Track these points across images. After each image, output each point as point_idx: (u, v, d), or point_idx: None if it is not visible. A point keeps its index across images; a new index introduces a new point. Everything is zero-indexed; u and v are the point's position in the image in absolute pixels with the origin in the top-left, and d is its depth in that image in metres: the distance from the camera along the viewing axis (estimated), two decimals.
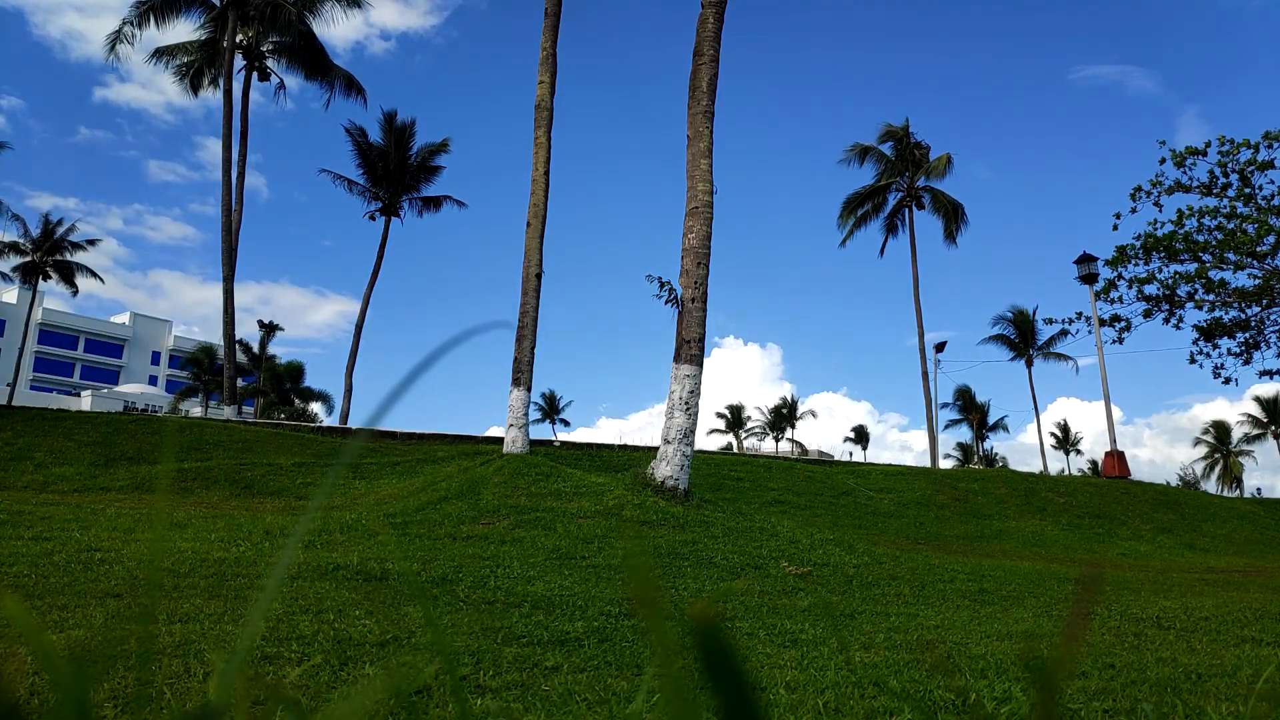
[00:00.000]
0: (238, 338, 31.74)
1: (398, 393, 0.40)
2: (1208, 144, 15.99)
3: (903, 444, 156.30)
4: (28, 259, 38.06)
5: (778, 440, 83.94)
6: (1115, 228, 17.21)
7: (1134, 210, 16.93)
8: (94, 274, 40.04)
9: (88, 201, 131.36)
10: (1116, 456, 21.12)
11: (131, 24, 25.36)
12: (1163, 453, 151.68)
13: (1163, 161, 16.47)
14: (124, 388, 67.99)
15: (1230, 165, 15.76)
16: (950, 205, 33.63)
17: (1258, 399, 61.12)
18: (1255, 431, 62.45)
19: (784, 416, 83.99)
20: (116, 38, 25.51)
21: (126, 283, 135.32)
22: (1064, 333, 44.09)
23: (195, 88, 27.99)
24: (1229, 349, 17.92)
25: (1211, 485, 64.43)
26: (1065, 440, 74.78)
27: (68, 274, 38.81)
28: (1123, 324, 18.11)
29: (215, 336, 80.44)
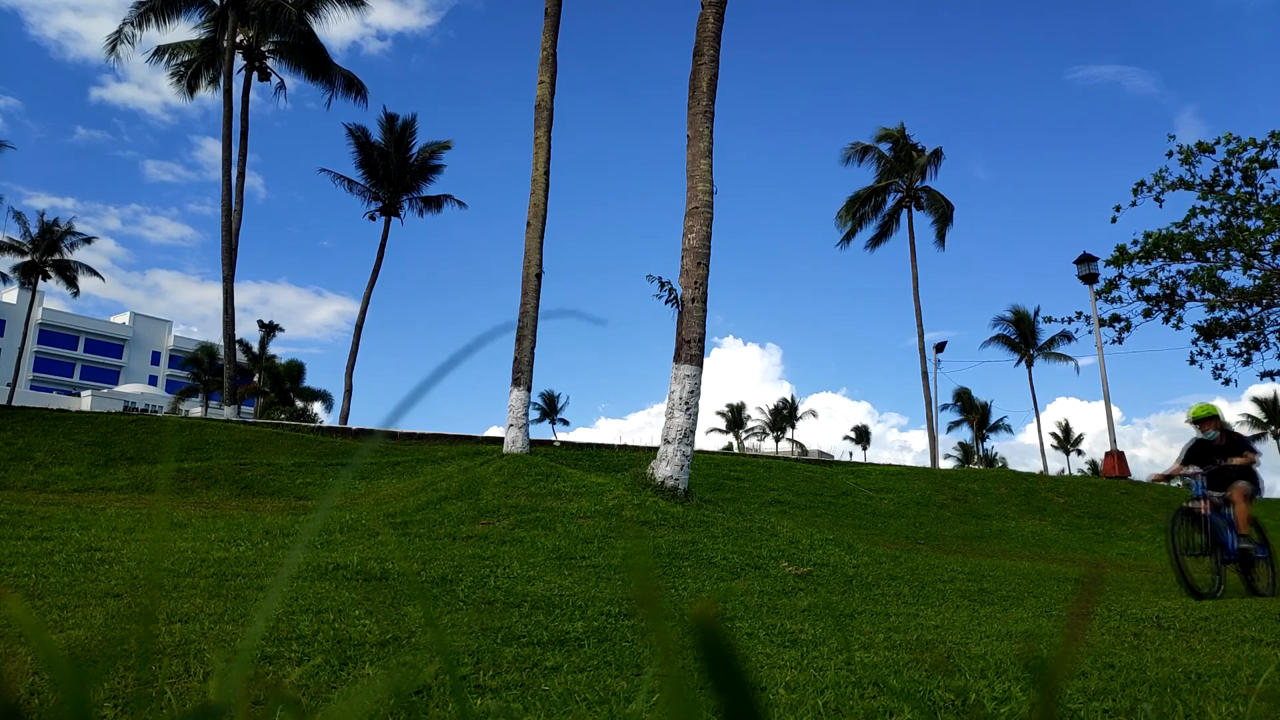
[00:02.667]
0: (238, 338, 31.74)
1: (411, 401, 0.41)
2: (1217, 140, 15.95)
3: (902, 444, 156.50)
4: (27, 259, 38.07)
5: (778, 440, 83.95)
6: (1114, 220, 17.18)
7: (1134, 204, 16.90)
8: (94, 273, 40.08)
9: (85, 202, 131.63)
10: (1116, 456, 21.12)
11: (132, 24, 25.37)
12: (1162, 453, 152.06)
13: (1170, 155, 16.42)
14: (124, 388, 68.02)
15: (1235, 164, 15.73)
16: (944, 206, 33.69)
17: (1256, 399, 61.21)
18: (1255, 432, 62.54)
19: (784, 416, 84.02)
20: (117, 38, 25.53)
21: (125, 283, 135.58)
22: (1065, 335, 44.21)
23: (193, 88, 28.00)
24: (1229, 349, 17.91)
25: None
26: (1065, 440, 74.85)
27: (67, 274, 38.83)
28: (1122, 324, 18.10)
29: (214, 336, 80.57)
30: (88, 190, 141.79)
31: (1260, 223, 15.10)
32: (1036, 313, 46.87)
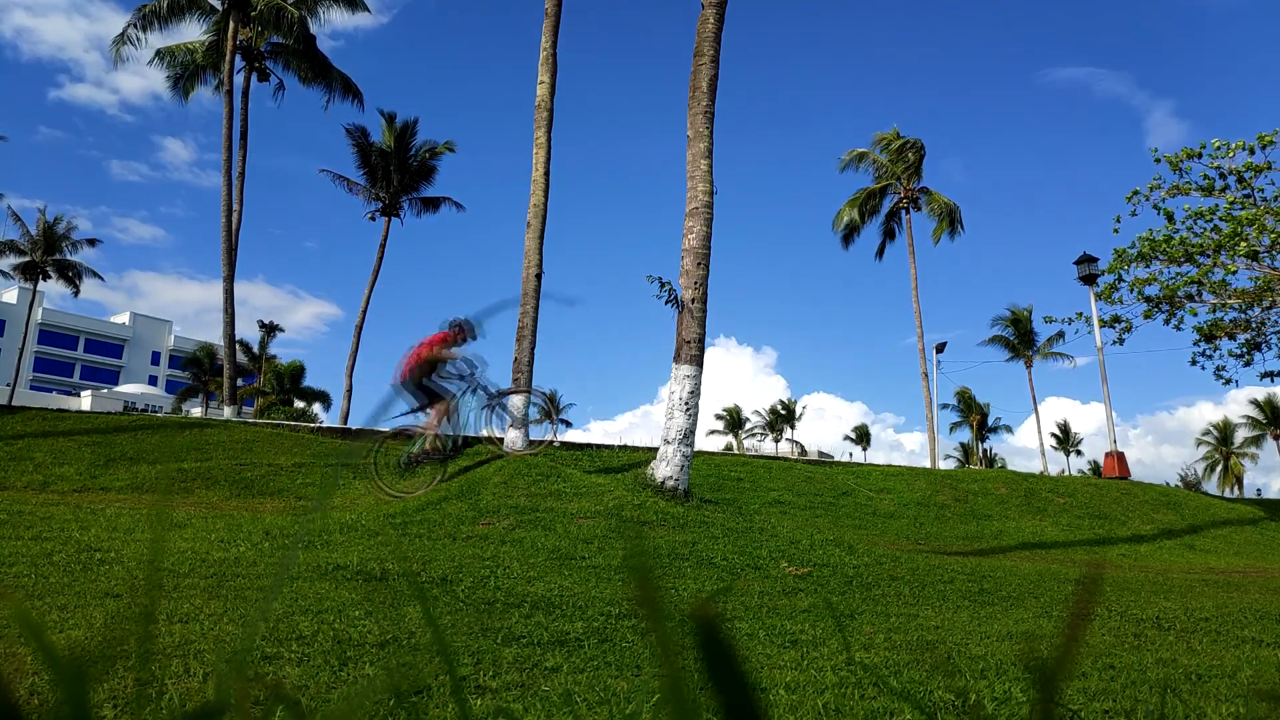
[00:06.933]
0: (237, 338, 31.79)
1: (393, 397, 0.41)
2: (1203, 145, 15.96)
3: (896, 444, 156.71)
4: (27, 259, 38.08)
5: (777, 441, 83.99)
6: (1116, 230, 17.21)
7: (1134, 214, 16.91)
8: (95, 273, 40.12)
9: (55, 204, 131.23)
10: (1117, 457, 21.11)
11: (135, 26, 25.46)
12: (1150, 453, 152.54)
13: (1157, 161, 16.44)
14: (124, 388, 68.05)
15: (1224, 168, 15.72)
16: (948, 207, 33.71)
17: (1254, 401, 61.30)
18: (1254, 433, 62.56)
19: (782, 417, 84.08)
20: (121, 41, 25.62)
21: (103, 284, 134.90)
22: (1060, 335, 44.38)
23: (188, 91, 28.04)
24: (1229, 350, 17.92)
25: (1212, 486, 64.54)
26: (1065, 441, 74.79)
27: (68, 274, 38.84)
28: (1123, 324, 18.10)
29: (197, 335, 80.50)
30: (56, 192, 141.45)
31: (1251, 229, 15.10)
32: (1030, 312, 46.93)
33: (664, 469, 9.87)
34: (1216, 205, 15.93)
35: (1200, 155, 15.95)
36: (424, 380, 9.85)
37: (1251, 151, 15.37)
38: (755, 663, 3.40)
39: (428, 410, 9.94)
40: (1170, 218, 16.31)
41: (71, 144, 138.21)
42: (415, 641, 3.42)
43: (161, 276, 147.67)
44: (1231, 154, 15.51)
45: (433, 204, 33.59)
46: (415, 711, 2.44)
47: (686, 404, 10.04)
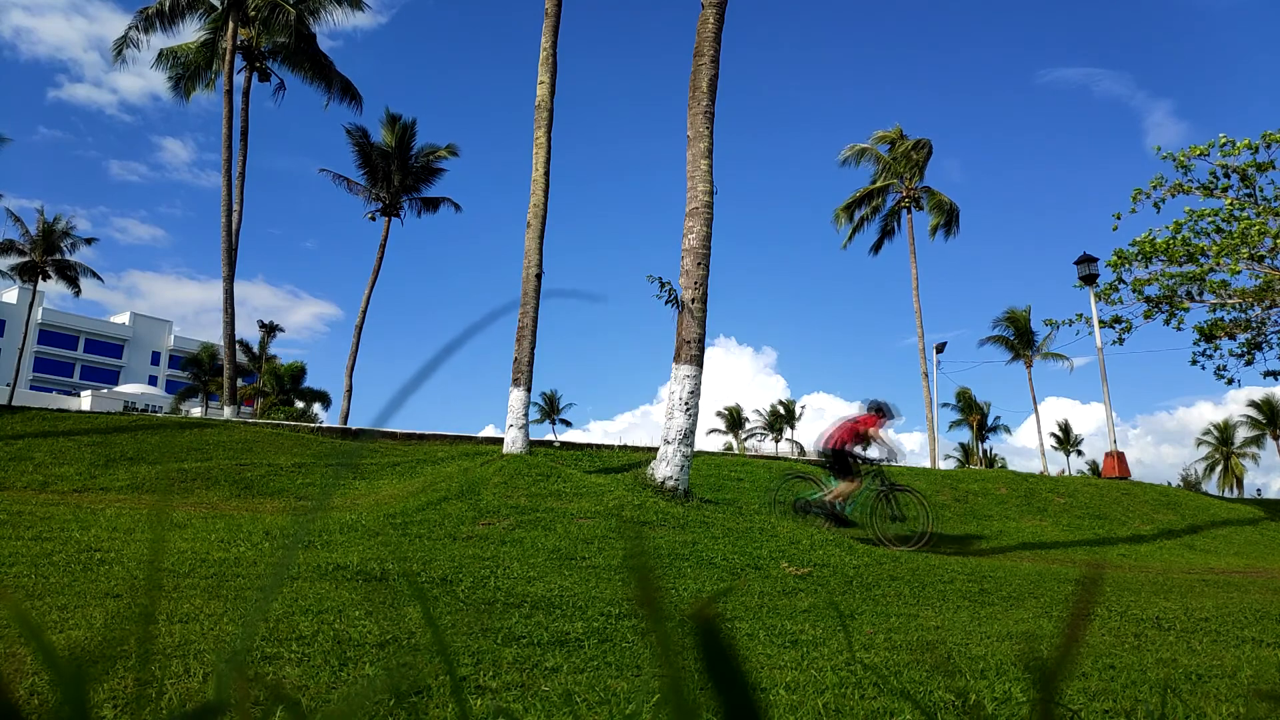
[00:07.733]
0: (237, 338, 31.81)
1: (409, 389, 0.40)
2: (1210, 144, 15.93)
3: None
4: (27, 259, 38.08)
5: (777, 441, 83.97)
6: (1115, 228, 17.20)
7: (1134, 211, 16.91)
8: (94, 274, 40.11)
9: (54, 204, 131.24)
10: (1117, 457, 21.10)
11: (137, 28, 25.51)
12: (1150, 453, 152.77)
13: (1165, 158, 16.42)
14: (124, 388, 68.04)
15: (1230, 166, 15.69)
16: (948, 206, 33.76)
17: (1253, 401, 61.36)
18: (1254, 433, 62.59)
19: (782, 417, 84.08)
20: (123, 43, 25.67)
21: (103, 284, 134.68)
22: (1057, 327, 44.36)
23: (189, 91, 28.05)
24: (1230, 350, 17.92)
25: (1213, 486, 64.59)
26: (1065, 441, 74.76)
27: (68, 274, 38.83)
28: (1123, 324, 18.09)
29: (196, 335, 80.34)
30: (55, 192, 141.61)
31: (1253, 232, 15.08)
32: (1029, 312, 46.98)
33: (664, 469, 9.87)
34: (1217, 208, 15.91)
35: (1207, 153, 15.92)
36: (849, 452, 10.52)
37: (1256, 150, 15.34)
38: (755, 663, 3.40)
39: (838, 480, 10.53)
40: (1178, 226, 16.28)
41: (70, 144, 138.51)
42: (415, 641, 3.42)
43: (161, 276, 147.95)
44: (1237, 151, 15.48)
45: (432, 204, 33.62)
46: (415, 711, 2.44)
47: (686, 404, 10.04)
